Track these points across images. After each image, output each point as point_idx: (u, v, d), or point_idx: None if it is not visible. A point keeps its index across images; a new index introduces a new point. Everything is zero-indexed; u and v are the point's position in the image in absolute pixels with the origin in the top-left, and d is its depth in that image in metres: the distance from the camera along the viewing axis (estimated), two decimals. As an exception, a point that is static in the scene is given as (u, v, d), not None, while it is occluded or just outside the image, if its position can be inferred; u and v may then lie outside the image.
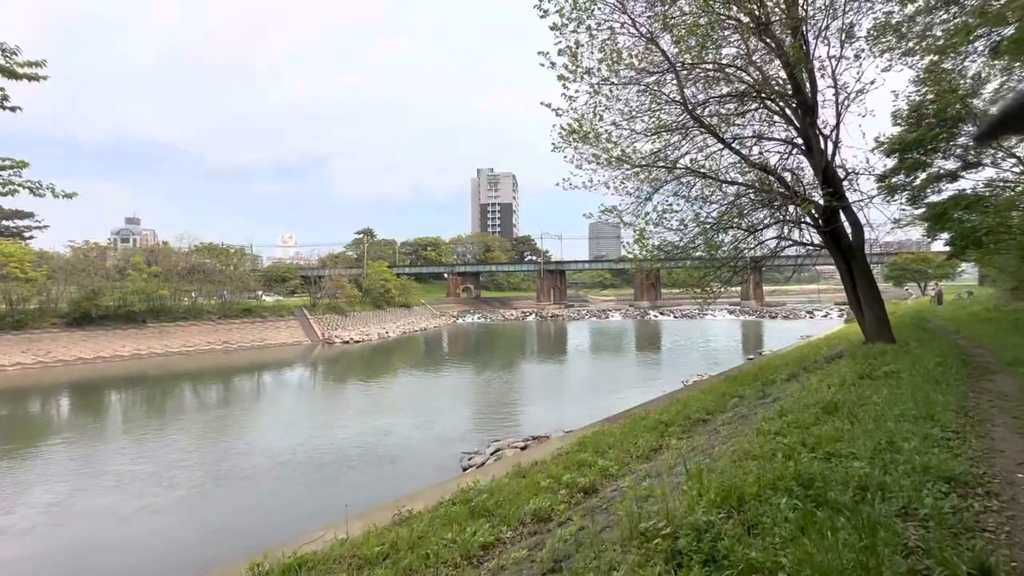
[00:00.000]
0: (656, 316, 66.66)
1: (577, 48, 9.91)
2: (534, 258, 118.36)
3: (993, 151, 15.21)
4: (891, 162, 15.51)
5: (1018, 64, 11.63)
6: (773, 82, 10.17)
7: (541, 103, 10.37)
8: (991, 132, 1.34)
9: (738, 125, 11.21)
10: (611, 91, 10.32)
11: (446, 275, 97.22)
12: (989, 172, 16.00)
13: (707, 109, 10.64)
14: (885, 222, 12.03)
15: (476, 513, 5.11)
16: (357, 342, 43.64)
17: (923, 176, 16.14)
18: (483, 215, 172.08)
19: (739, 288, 66.66)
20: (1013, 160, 15.56)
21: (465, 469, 12.11)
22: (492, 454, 12.83)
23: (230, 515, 10.35)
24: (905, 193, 16.50)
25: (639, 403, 13.47)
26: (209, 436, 16.48)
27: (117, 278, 42.17)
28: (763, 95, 10.20)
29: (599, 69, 10.03)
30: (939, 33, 10.25)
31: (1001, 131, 1.29)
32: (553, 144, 10.78)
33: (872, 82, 9.47)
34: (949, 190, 16.40)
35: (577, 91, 10.17)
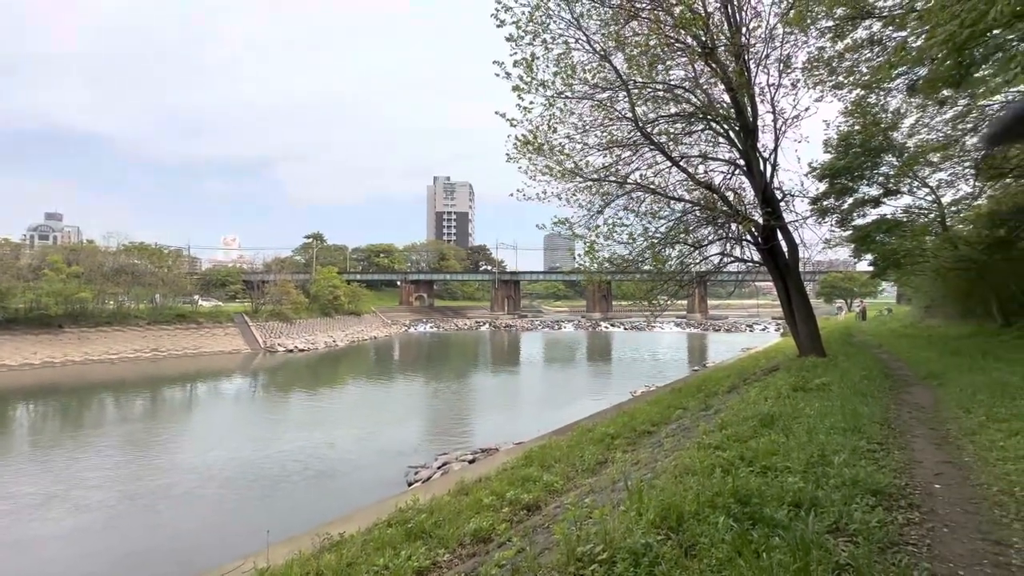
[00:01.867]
0: (607, 328, 68.04)
1: (533, 60, 9.96)
2: (489, 268, 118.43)
3: (909, 180, 16.61)
4: (823, 186, 16.63)
5: (929, 103, 12.74)
6: (718, 105, 10.61)
7: (496, 113, 10.32)
8: (999, 137, 1.34)
9: (686, 144, 11.61)
10: (565, 104, 10.42)
11: (399, 283, 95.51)
12: (907, 200, 17.46)
13: (657, 127, 10.94)
14: (817, 242, 12.80)
15: (413, 535, 4.83)
16: (302, 350, 41.95)
17: (850, 201, 17.39)
18: (439, 223, 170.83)
19: (685, 302, 69.33)
20: (926, 190, 17.05)
21: (410, 484, 11.71)
22: (439, 468, 12.49)
23: (141, 541, 9.42)
24: (835, 216, 17.71)
25: (588, 415, 13.53)
26: (128, 452, 15.13)
27: (31, 278, 38.37)
28: (709, 116, 10.61)
29: (554, 82, 10.12)
30: (865, 69, 11.07)
31: (1007, 137, 1.30)
32: (508, 155, 10.75)
33: (807, 109, 10.08)
34: (872, 215, 17.76)
35: (532, 103, 10.22)
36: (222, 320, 43.83)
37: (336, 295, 57.97)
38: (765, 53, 10.33)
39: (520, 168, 10.85)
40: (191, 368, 32.57)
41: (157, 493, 11.77)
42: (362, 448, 15.38)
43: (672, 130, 11.09)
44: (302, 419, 19.51)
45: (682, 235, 11.67)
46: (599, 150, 10.86)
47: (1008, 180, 14.35)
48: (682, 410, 9.39)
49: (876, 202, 17.37)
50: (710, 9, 10.12)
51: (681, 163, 11.20)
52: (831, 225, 17.66)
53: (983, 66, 6.79)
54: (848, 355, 11.37)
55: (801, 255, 11.78)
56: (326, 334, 50.65)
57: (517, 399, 24.33)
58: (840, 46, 10.25)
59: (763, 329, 61.95)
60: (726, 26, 10.21)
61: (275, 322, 47.39)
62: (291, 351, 41.41)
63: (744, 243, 11.77)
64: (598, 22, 10.18)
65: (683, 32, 9.98)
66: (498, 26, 9.67)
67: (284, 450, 15.03)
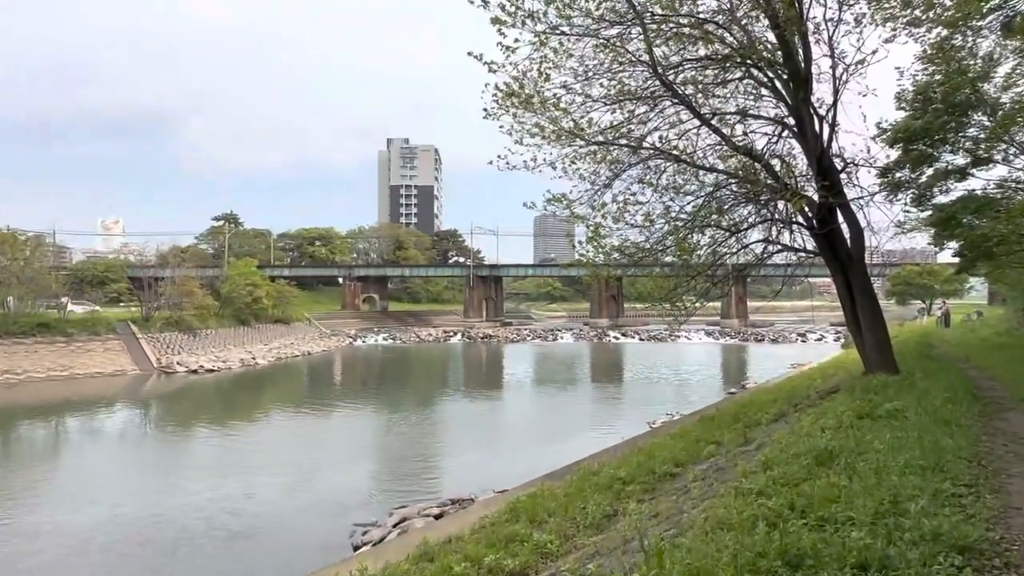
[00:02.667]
0: (617, 338, 68.58)
1: (518, -18, 9.94)
2: (461, 260, 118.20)
3: (1004, 145, 16.95)
4: (895, 153, 16.87)
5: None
6: (760, 46, 10.71)
7: (470, 54, 10.26)
8: None
9: (719, 97, 11.69)
10: (561, 44, 10.40)
11: (341, 280, 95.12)
12: (1001, 171, 17.80)
13: (681, 75, 11.01)
14: (888, 226, 12.93)
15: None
16: (210, 371, 41.46)
17: (929, 172, 17.70)
18: (394, 200, 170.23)
19: (719, 304, 70.18)
20: (1026, 157, 17.41)
21: (357, 548, 11.65)
22: (395, 526, 12.47)
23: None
24: (910, 191, 18.02)
25: (592, 453, 13.59)
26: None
27: None
28: (748, 61, 10.70)
29: (546, 12, 10.09)
30: (948, 2, 11.30)
31: None
32: (486, 110, 10.70)
33: (874, 52, 10.22)
34: (958, 190, 18.09)
35: (517, 40, 10.16)
36: (100, 331, 42.91)
37: (256, 296, 57.33)
38: (821, -23, 10.47)
39: (502, 128, 10.78)
40: (58, 396, 31.87)
41: (12, 564, 11.48)
42: (292, 500, 15.26)
43: (701, 78, 11.16)
44: (210, 463, 19.28)
45: (714, 216, 11.77)
46: (606, 104, 10.87)
47: None
48: (715, 445, 9.47)
49: (962, 174, 17.70)
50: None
51: (713, 122, 11.28)
52: (905, 204, 17.96)
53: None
54: (927, 372, 11.61)
55: (868, 243, 11.96)
56: (243, 349, 50.08)
57: (498, 434, 24.34)
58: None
59: (819, 339, 63.04)
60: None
61: (173, 333, 46.65)
62: (195, 372, 40.89)
63: (794, 227, 11.91)
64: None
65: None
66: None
67: (185, 504, 14.83)
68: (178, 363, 42.04)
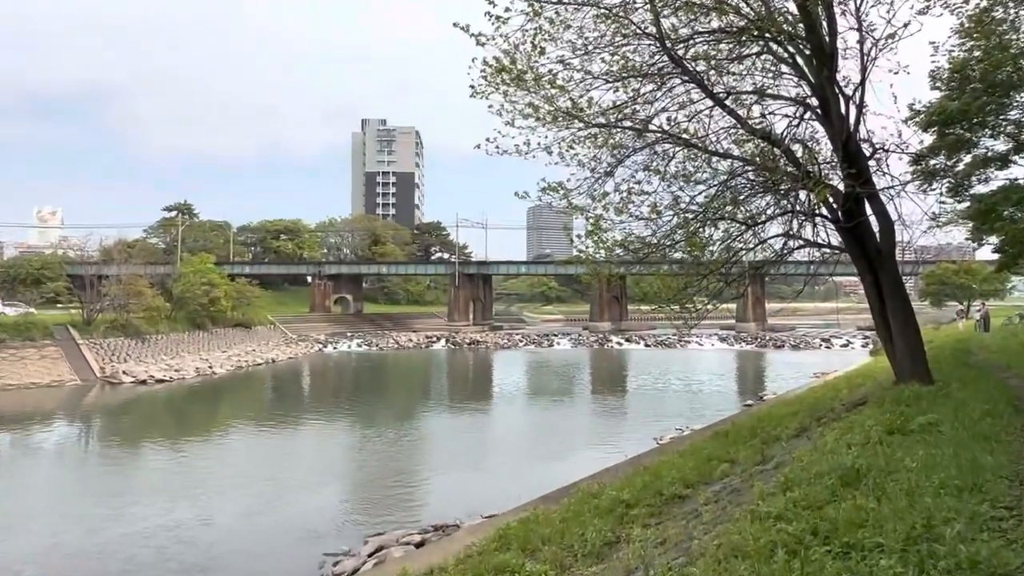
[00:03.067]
0: (620, 343, 68.78)
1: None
2: (446, 256, 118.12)
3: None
4: (929, 138, 17.00)
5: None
6: (780, 17, 10.76)
7: (456, 25, 10.26)
8: None
9: (734, 75, 11.75)
10: (558, 13, 10.42)
11: (310, 279, 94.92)
12: (1049, 157, 17.95)
13: (692, 49, 11.04)
14: (921, 218, 13.00)
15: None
16: (161, 381, 41.26)
17: (967, 159, 17.85)
18: (370, 189, 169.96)
19: (734, 305, 70.60)
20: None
21: (327, 581, 11.64)
22: (370, 555, 12.49)
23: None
24: (945, 181, 18.16)
25: (592, 473, 13.62)
26: None
27: None
28: (767, 34, 10.74)
29: (541, -22, 10.11)
30: (988, -31, 11.40)
31: None
32: (473, 87, 10.70)
33: (906, 25, 10.25)
34: (999, 179, 18.26)
35: (509, 9, 10.17)
36: (36, 336, 42.55)
37: (213, 297, 57.11)
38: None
39: (491, 108, 10.79)
40: (-13, 410, 31.54)
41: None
42: (254, 527, 15.22)
43: (714, 53, 11.19)
44: (161, 485, 19.17)
45: (728, 207, 11.81)
46: (608, 82, 10.89)
47: None
48: (729, 464, 9.52)
49: (1004, 161, 17.86)
50: None
51: (727, 102, 11.32)
52: (940, 194, 18.08)
53: None
54: (964, 381, 11.72)
55: (899, 237, 12.04)
56: (198, 356, 49.93)
57: (487, 451, 24.36)
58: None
59: (845, 344, 63.52)
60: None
61: (119, 339, 46.38)
62: (143, 382, 40.69)
63: (818, 220, 11.97)
64: None
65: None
66: None
67: (132, 532, 14.74)
68: (124, 372, 41.79)
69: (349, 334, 76.11)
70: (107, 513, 16.34)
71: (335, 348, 66.14)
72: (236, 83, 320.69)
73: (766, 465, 8.66)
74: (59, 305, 58.04)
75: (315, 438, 26.62)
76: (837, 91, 10.89)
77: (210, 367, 46.51)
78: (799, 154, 11.66)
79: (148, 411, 33.81)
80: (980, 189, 18.43)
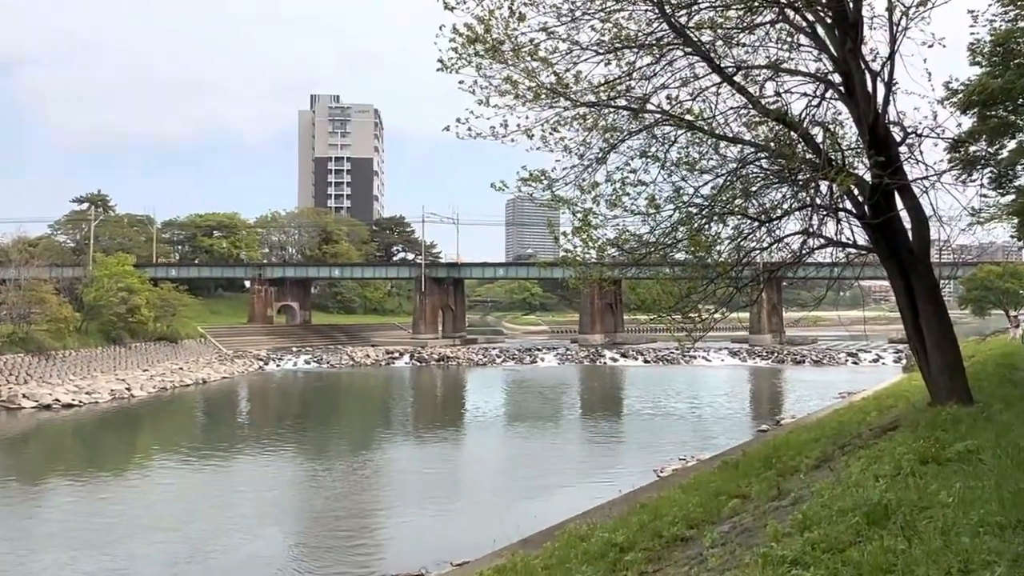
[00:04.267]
0: (615, 359, 69.06)
1: None
2: (410, 256, 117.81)
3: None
4: (968, 121, 17.27)
5: None
6: (797, -20, 10.91)
7: (419, -16, 10.25)
8: None
9: (744, 47, 11.83)
10: (540, -28, 10.48)
11: (248, 283, 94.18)
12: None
13: (696, 16, 11.11)
14: (960, 213, 13.19)
15: None
16: (69, 406, 40.65)
17: (1012, 145, 18.16)
18: (320, 177, 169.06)
19: (746, 315, 71.01)
20: None
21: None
22: (319, 612, 12.35)
23: None
24: (987, 170, 18.45)
25: (581, 511, 13.65)
26: None
27: None
28: (782, 1, 10.89)
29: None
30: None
31: None
32: (441, 60, 10.69)
33: (941, -10, 10.44)
34: (1048, 168, 18.59)
35: (482, -34, 10.21)
36: (-85, 352, 41.84)
37: (132, 306, 56.51)
38: None
39: (462, 84, 10.76)
40: None
41: None
42: (179, 580, 15.01)
43: (722, 21, 11.28)
44: (66, 529, 18.89)
45: (739, 200, 11.88)
46: (598, 53, 10.91)
47: None
48: (739, 500, 9.57)
49: (1053, 148, 18.19)
50: None
51: (737, 78, 11.42)
52: (982, 186, 18.31)
53: None
54: (1008, 401, 11.87)
55: (934, 235, 12.19)
56: (114, 376, 49.34)
57: (458, 487, 24.28)
58: None
59: (875, 360, 64.25)
60: None
61: (17, 355, 45.72)
62: (48, 407, 40.09)
63: (841, 215, 12.11)
64: None
65: None
66: None
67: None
68: (24, 395, 41.13)
69: (295, 349, 75.46)
70: None
71: (278, 366, 65.64)
72: (165, 56, 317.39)
73: (782, 501, 8.71)
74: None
75: (253, 473, 26.33)
76: (863, 66, 11.03)
77: (128, 389, 45.92)
78: (819, 139, 11.77)
79: (52, 442, 33.23)
80: (1025, 180, 18.74)
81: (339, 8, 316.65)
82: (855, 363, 63.67)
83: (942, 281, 14.07)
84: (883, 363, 61.95)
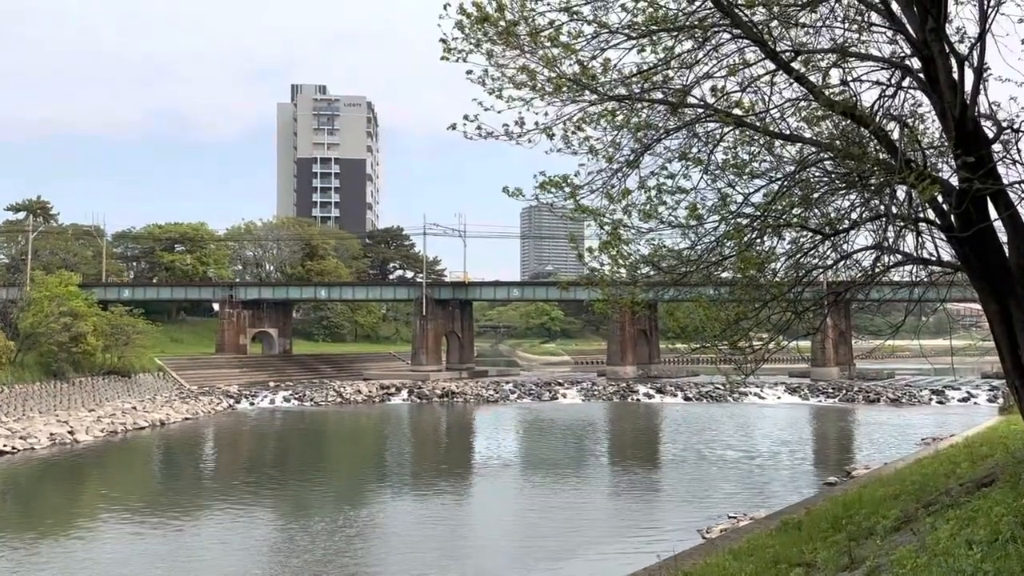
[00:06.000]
0: (650, 395, 68.84)
1: None
2: (410, 275, 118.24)
3: None
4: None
5: None
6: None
7: (419, -44, 10.36)
8: None
9: (804, 28, 11.83)
10: (561, -59, 10.57)
11: (217, 306, 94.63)
12: None
13: (747, -8, 11.20)
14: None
15: None
16: (1, 454, 40.76)
17: None
18: (304, 182, 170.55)
19: (808, 343, 70.76)
20: None
21: None
22: None
23: None
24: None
25: (612, 581, 13.58)
26: None
27: None
28: (850, -29, 10.92)
29: None
30: None
31: None
32: (445, 42, 10.77)
33: (1039, -40, 10.45)
34: None
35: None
36: None
37: (77, 334, 56.86)
38: None
39: (471, 74, 10.82)
40: None
41: None
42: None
43: (777, -1, 11.36)
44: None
45: (797, 210, 11.85)
46: (630, 38, 10.94)
47: None
48: (803, 569, 9.52)
49: None
50: None
51: (795, 65, 11.43)
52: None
53: None
54: None
55: (1036, 251, 12.13)
56: (54, 417, 49.47)
57: (460, 551, 24.15)
58: None
59: (965, 398, 63.63)
60: None
61: (-56, 392, 45.94)
62: (-25, 455, 40.16)
63: (922, 227, 12.07)
64: None
65: None
66: None
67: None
68: (-54, 440, 41.26)
69: (272, 384, 75.78)
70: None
71: (252, 404, 65.83)
72: (118, 32, 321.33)
73: (855, 571, 8.65)
74: None
75: (217, 534, 26.25)
76: (947, 49, 11.00)
77: (71, 433, 46.00)
78: (895, 136, 11.75)
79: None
80: None
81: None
82: (941, 402, 63.17)
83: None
84: (975, 402, 61.43)
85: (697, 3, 10.96)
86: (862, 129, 11.69)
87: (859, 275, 13.05)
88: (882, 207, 12.06)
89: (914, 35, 11.24)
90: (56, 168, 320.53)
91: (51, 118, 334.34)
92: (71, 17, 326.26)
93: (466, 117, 10.92)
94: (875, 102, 11.93)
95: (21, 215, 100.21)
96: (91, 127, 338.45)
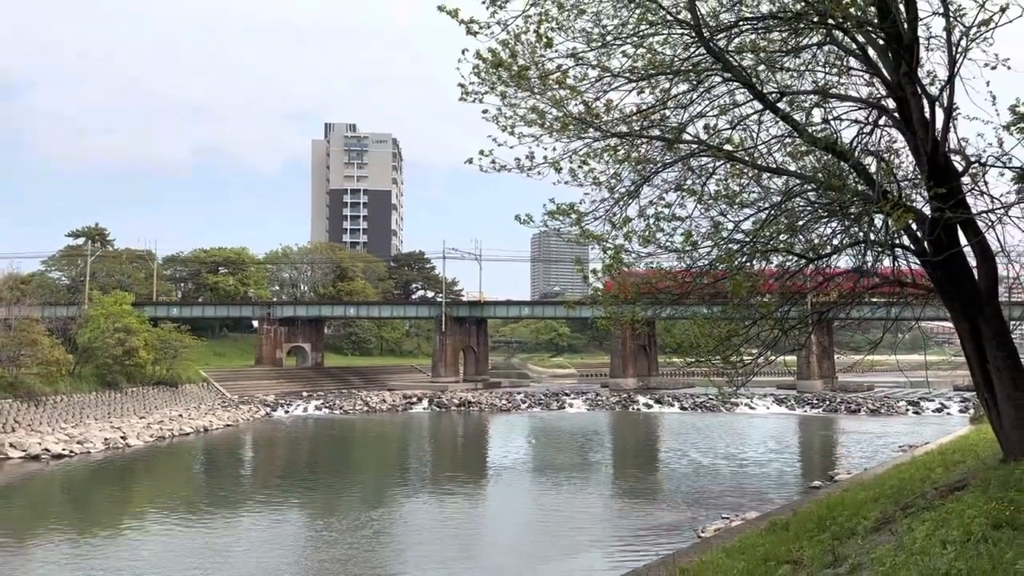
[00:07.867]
0: (649, 405, 68.60)
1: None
2: (430, 295, 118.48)
3: None
4: (1036, 148, 17.19)
5: None
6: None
7: (440, 9, 10.44)
8: None
9: (789, 71, 11.88)
10: (568, -5, 10.64)
11: (256, 323, 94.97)
12: None
13: (736, 40, 11.19)
14: (1030, 249, 13.05)
15: None
16: (60, 456, 40.87)
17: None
18: (335, 211, 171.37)
19: (794, 358, 70.41)
20: None
21: None
22: None
23: None
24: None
25: (614, 576, 13.48)
26: None
27: None
28: (830, 20, 10.92)
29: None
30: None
31: None
32: (463, 86, 10.84)
33: (1004, 9, 10.38)
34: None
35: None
36: None
37: (130, 348, 57.06)
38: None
39: (486, 113, 10.91)
40: None
41: None
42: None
43: (764, 44, 11.36)
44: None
45: (783, 236, 11.86)
46: (630, 80, 11.00)
47: None
48: (791, 566, 9.44)
49: None
50: None
51: (781, 105, 11.44)
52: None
53: None
54: (1091, 458, 11.65)
55: (1003, 273, 12.05)
56: (108, 424, 49.67)
57: (477, 547, 24.05)
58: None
59: (939, 409, 63.17)
60: None
61: (6, 400, 46.12)
62: (36, 457, 40.25)
63: (898, 252, 12.02)
64: None
65: None
66: None
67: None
68: (11, 444, 41.32)
69: (306, 394, 75.76)
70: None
71: (287, 412, 65.78)
72: (166, 77, 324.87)
73: (838, 568, 8.57)
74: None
75: (254, 531, 26.21)
76: (919, 90, 10.99)
77: (123, 438, 46.08)
78: (872, 169, 11.74)
79: (40, 496, 33.38)
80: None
81: (361, 30, 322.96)
82: (916, 412, 62.73)
83: (1012, 323, 13.86)
84: (948, 413, 61.08)
85: (691, 50, 11.02)
86: (842, 163, 11.70)
87: (840, 297, 13.01)
88: (861, 234, 12.05)
89: (889, 78, 11.26)
90: (113, 198, 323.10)
91: (109, 154, 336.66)
92: (124, 66, 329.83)
93: (481, 152, 10.99)
94: (854, 138, 11.95)
95: (81, 241, 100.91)
96: (145, 164, 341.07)
